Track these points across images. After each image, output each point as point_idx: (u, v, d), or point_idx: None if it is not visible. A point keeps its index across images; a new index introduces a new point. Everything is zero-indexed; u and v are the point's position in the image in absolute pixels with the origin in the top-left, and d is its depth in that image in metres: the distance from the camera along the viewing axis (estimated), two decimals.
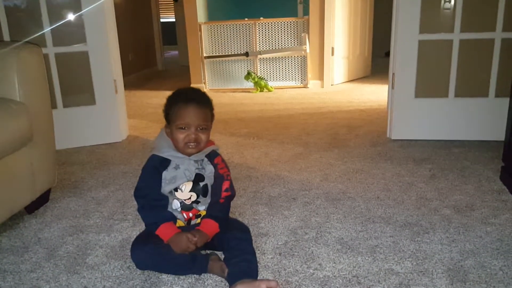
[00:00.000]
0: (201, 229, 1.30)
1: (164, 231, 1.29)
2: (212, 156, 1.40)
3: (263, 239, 1.49)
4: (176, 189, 1.35)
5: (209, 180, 1.38)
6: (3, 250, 1.47)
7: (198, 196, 1.36)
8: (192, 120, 1.30)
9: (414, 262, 1.31)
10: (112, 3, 2.73)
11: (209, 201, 1.38)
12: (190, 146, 1.32)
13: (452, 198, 1.78)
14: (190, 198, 1.36)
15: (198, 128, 1.32)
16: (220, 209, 1.36)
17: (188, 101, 1.31)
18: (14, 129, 1.54)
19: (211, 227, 1.31)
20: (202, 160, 1.38)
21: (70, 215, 1.74)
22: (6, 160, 1.52)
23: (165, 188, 1.34)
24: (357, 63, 5.24)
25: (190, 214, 1.37)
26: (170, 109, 1.33)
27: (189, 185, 1.35)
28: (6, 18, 2.46)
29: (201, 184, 1.37)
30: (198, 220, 1.38)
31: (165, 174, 1.34)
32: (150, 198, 1.34)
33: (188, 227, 1.36)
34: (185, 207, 1.36)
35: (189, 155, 1.35)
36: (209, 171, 1.38)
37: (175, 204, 1.36)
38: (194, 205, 1.37)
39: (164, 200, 1.35)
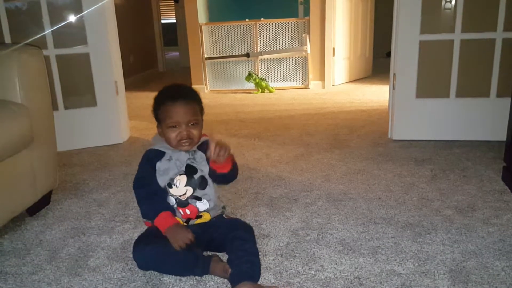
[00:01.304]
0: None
1: (162, 221, 1.28)
2: (204, 145, 1.37)
3: (264, 240, 1.48)
4: (170, 185, 1.34)
5: (204, 170, 1.35)
6: (4, 252, 1.47)
7: (194, 190, 1.35)
8: (181, 117, 1.29)
9: (416, 263, 1.31)
10: (112, 4, 2.74)
11: (210, 193, 1.36)
12: (183, 143, 1.31)
13: (453, 199, 1.78)
14: (185, 193, 1.34)
15: (189, 124, 1.30)
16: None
17: (175, 98, 1.30)
18: (15, 131, 1.55)
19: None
20: (194, 151, 1.37)
21: (72, 217, 1.74)
22: (7, 162, 1.52)
23: (159, 180, 1.34)
24: (358, 63, 5.23)
25: (188, 212, 1.35)
26: (158, 110, 1.33)
27: (184, 179, 1.34)
28: (7, 20, 2.46)
29: (196, 176, 1.35)
30: (198, 220, 1.37)
31: (159, 165, 1.34)
32: (149, 188, 1.33)
33: (187, 226, 1.35)
34: (180, 203, 1.35)
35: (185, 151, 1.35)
36: (199, 157, 1.36)
37: (170, 201, 1.35)
38: (190, 200, 1.35)
39: (163, 192, 1.34)
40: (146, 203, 1.34)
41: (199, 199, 1.36)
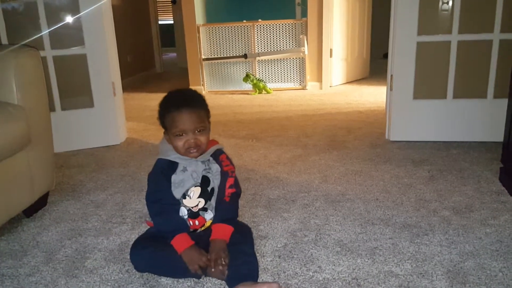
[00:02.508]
0: (215, 238, 1.27)
1: (179, 243, 1.26)
2: (217, 155, 1.38)
3: (262, 241, 1.48)
4: (184, 196, 1.32)
5: (215, 182, 1.36)
6: (1, 254, 1.46)
7: (206, 202, 1.34)
8: (187, 126, 1.27)
9: (413, 264, 1.31)
10: (110, 5, 2.73)
11: (213, 203, 1.36)
12: (192, 151, 1.30)
13: (451, 200, 1.78)
14: (197, 205, 1.34)
15: (196, 131, 1.28)
16: (227, 209, 1.34)
17: (180, 107, 1.27)
18: (12, 132, 1.54)
19: (225, 230, 1.29)
20: (208, 160, 1.36)
21: (69, 218, 1.73)
22: (4, 164, 1.51)
23: (174, 192, 1.32)
24: (355, 64, 5.24)
25: (197, 222, 1.35)
26: (164, 118, 1.30)
27: (198, 191, 1.33)
28: (4, 21, 2.46)
29: (209, 188, 1.35)
30: (202, 228, 1.37)
31: (174, 178, 1.32)
32: (164, 203, 1.31)
33: (197, 234, 1.35)
34: (191, 215, 1.34)
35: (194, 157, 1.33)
36: (215, 170, 1.36)
37: (182, 211, 1.34)
38: (201, 212, 1.35)
39: (177, 204, 1.33)
40: (162, 218, 1.32)
41: (206, 210, 1.36)
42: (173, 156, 1.32)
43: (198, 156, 1.33)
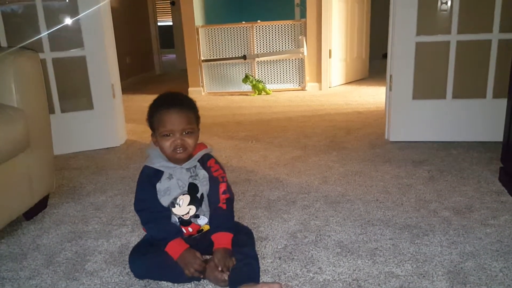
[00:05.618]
0: (218, 247, 1.26)
1: (173, 250, 1.25)
2: (205, 160, 1.36)
3: (262, 243, 1.48)
4: (173, 205, 1.31)
5: (203, 188, 1.34)
6: (1, 257, 1.46)
7: (197, 209, 1.33)
8: (175, 126, 1.25)
9: (414, 265, 1.31)
10: (109, 7, 2.73)
11: (205, 210, 1.35)
12: (178, 151, 1.27)
13: (451, 200, 1.78)
14: (188, 212, 1.33)
15: (183, 133, 1.26)
16: (225, 217, 1.32)
17: (169, 106, 1.26)
18: (11, 135, 1.54)
19: (226, 238, 1.28)
20: (195, 166, 1.34)
21: (69, 221, 1.73)
22: (3, 166, 1.51)
23: (161, 200, 1.31)
24: (354, 65, 5.24)
25: (190, 229, 1.34)
26: (153, 117, 1.28)
27: (187, 199, 1.32)
28: (3, 23, 2.46)
29: (198, 195, 1.33)
30: (199, 233, 1.36)
31: (159, 186, 1.30)
32: (152, 210, 1.30)
33: (192, 238, 1.34)
34: (183, 222, 1.34)
35: (180, 160, 1.30)
36: (202, 176, 1.34)
37: (173, 219, 1.33)
38: (192, 219, 1.34)
39: (167, 211, 1.32)
40: (152, 225, 1.31)
41: (198, 216, 1.35)
42: (157, 164, 1.30)
43: (185, 158, 1.30)
